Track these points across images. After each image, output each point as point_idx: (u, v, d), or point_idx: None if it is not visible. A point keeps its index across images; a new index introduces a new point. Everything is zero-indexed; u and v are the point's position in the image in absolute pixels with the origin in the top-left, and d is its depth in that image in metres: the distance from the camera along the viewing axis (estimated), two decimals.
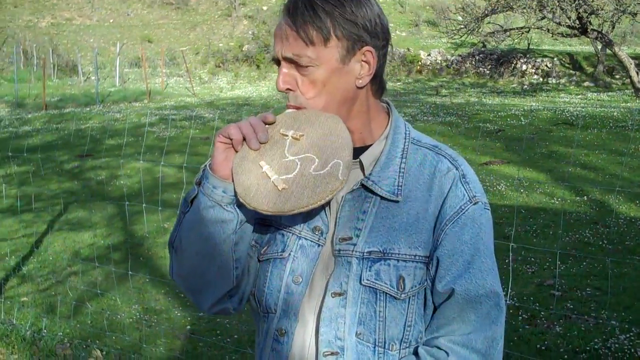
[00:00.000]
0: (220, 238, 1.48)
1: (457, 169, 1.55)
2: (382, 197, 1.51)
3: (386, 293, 1.49)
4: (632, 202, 8.14)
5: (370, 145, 1.57)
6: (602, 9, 18.94)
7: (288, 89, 1.47)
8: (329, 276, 1.51)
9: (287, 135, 1.45)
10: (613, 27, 21.70)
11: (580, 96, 20.35)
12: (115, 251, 7.10)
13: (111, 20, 39.27)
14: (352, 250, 1.49)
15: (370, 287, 1.49)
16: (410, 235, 1.50)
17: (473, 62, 27.82)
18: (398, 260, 1.49)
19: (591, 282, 5.70)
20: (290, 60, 1.44)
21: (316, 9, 1.41)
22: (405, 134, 1.59)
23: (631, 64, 19.13)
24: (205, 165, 1.49)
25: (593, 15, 19.55)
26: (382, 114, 1.60)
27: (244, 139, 1.44)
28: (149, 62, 29.10)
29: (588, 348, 4.52)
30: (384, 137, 1.57)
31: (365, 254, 1.49)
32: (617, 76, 23.30)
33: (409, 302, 1.51)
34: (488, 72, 26.55)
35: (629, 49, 25.19)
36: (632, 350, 4.43)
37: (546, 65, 25.45)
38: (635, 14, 19.61)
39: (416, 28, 34.27)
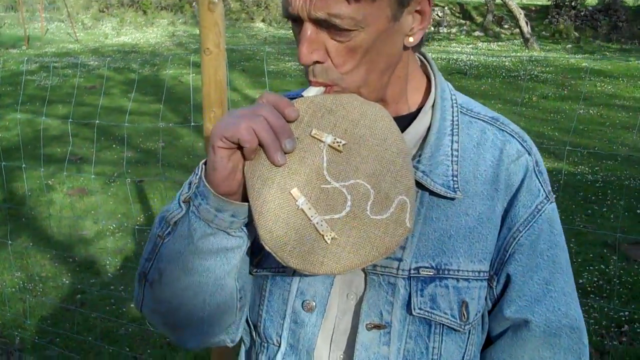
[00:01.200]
0: (222, 271, 1.10)
1: (529, 153, 1.17)
2: (431, 192, 1.12)
3: (443, 324, 1.12)
4: None
5: (406, 115, 1.16)
6: None
7: (316, 62, 1.04)
8: (360, 300, 1.13)
9: (322, 141, 1.03)
10: None
11: (471, 46, 20.54)
12: None
13: None
14: (397, 268, 1.11)
15: (423, 317, 1.11)
16: (472, 245, 1.12)
17: None
18: (458, 280, 1.12)
19: None
20: (321, 22, 1.00)
21: None
22: (452, 99, 1.18)
23: (521, 14, 19.40)
24: (199, 177, 1.06)
25: None
26: (418, 73, 1.20)
27: (260, 145, 1.00)
28: (27, 5, 27.39)
29: None
30: (428, 106, 1.16)
31: (412, 271, 1.10)
32: (506, 26, 23.64)
33: (469, 333, 1.15)
34: None
35: None
36: None
37: (437, 15, 25.55)
38: None
39: None
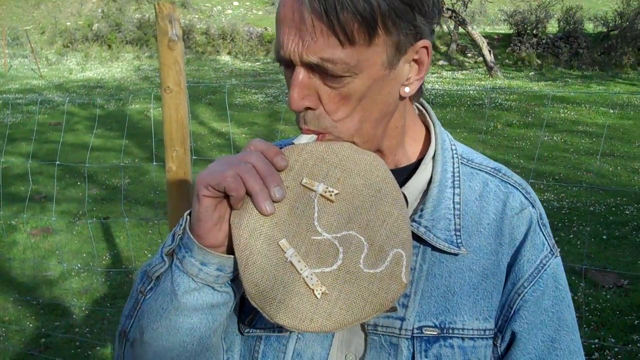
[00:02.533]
0: (208, 329, 1.03)
1: (533, 206, 1.13)
2: (433, 248, 1.06)
3: None
4: None
5: (404, 167, 1.11)
6: None
7: (308, 108, 0.98)
8: None
9: (313, 191, 0.98)
10: (465, 7, 22.28)
11: (435, 75, 20.74)
12: None
13: None
14: (400, 328, 1.05)
15: None
16: (477, 302, 1.07)
17: None
18: (463, 339, 1.06)
19: None
20: (313, 67, 0.95)
21: None
22: (452, 150, 1.13)
23: (484, 42, 19.69)
24: (183, 228, 1.01)
25: None
26: (417, 123, 1.15)
27: (248, 194, 0.96)
28: None
29: None
30: (428, 157, 1.11)
31: (416, 330, 1.04)
32: (470, 55, 23.96)
33: None
34: None
35: (478, 28, 25.95)
36: None
37: None
38: None
39: (272, 6, 33.94)
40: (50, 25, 30.94)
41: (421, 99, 1.15)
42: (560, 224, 6.61)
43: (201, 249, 0.98)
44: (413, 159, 1.13)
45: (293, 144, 1.02)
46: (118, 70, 23.39)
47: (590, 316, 4.64)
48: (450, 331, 1.06)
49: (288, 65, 0.99)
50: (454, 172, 1.12)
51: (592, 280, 5.24)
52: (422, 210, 1.08)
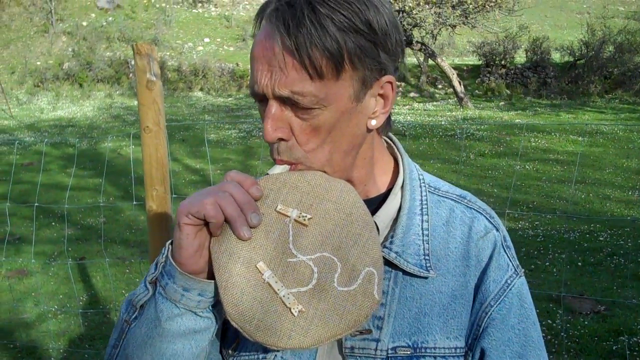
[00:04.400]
0: (191, 355, 1.06)
1: (497, 229, 1.19)
2: (404, 272, 1.12)
3: None
4: None
5: (375, 197, 1.17)
6: (424, 22, 19.59)
7: (280, 139, 1.05)
8: None
9: (287, 216, 1.04)
10: (435, 39, 22.59)
11: (407, 106, 20.94)
12: None
13: None
14: (375, 349, 1.10)
15: None
16: (447, 321, 1.13)
17: None
18: (435, 357, 1.11)
19: None
20: (285, 100, 1.01)
21: (324, 23, 0.97)
22: (420, 180, 1.20)
23: (453, 74, 19.95)
24: (165, 257, 1.05)
25: (416, 28, 20.19)
26: (386, 155, 1.21)
27: (226, 220, 1.00)
28: None
29: None
30: (397, 187, 1.18)
31: (390, 351, 1.09)
32: (440, 86, 24.27)
33: None
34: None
35: (447, 59, 26.29)
36: None
37: None
38: (454, 26, 20.47)
39: (243, 42, 34.13)
40: (20, 65, 30.81)
41: (389, 132, 1.22)
42: (535, 252, 6.68)
43: (183, 275, 1.02)
44: (382, 189, 1.19)
45: (268, 174, 1.07)
46: (90, 108, 23.31)
47: (569, 343, 4.67)
48: (423, 350, 1.11)
49: (262, 99, 1.05)
50: (422, 200, 1.18)
51: (570, 307, 5.29)
52: (392, 237, 1.14)
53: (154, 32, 33.19)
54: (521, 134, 13.66)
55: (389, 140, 1.25)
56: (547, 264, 6.33)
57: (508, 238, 1.22)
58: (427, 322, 1.12)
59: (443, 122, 15.66)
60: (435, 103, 21.54)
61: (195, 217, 0.99)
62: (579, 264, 6.35)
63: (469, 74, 24.27)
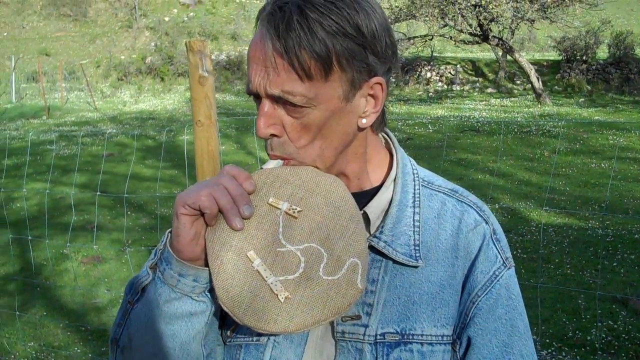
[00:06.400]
0: (188, 335, 1.14)
1: (486, 222, 1.24)
2: (394, 261, 1.18)
3: None
4: (542, 208, 8.18)
5: (368, 190, 1.23)
6: (501, 16, 19.31)
7: (273, 135, 1.11)
8: None
9: (278, 209, 1.10)
10: (513, 34, 22.23)
11: (484, 102, 20.69)
12: (9, 282, 6.59)
13: (5, 34, 37.68)
14: (364, 334, 1.16)
15: None
16: (435, 310, 1.18)
17: None
18: (422, 344, 1.16)
19: None
20: (276, 98, 1.08)
21: (313, 27, 1.04)
22: (414, 174, 1.26)
23: (531, 69, 19.59)
24: (164, 244, 1.13)
25: (493, 23, 19.92)
26: (382, 151, 1.27)
27: (220, 211, 1.08)
28: (47, 76, 28.05)
29: None
30: (390, 180, 1.24)
31: (378, 336, 1.15)
32: (518, 82, 23.85)
33: None
34: (394, 80, 26.76)
35: (527, 54, 25.82)
36: None
37: (450, 73, 25.81)
38: (533, 21, 20.10)
39: None
40: (105, 59, 31.81)
41: (386, 128, 1.27)
42: (604, 252, 6.55)
43: (179, 261, 1.09)
44: (376, 183, 1.24)
45: (262, 168, 1.14)
46: (170, 102, 23.88)
47: (629, 344, 4.59)
48: (410, 337, 1.16)
49: (257, 97, 1.12)
50: (414, 193, 1.23)
51: (634, 309, 5.19)
52: (382, 227, 1.19)
53: (233, 27, 33.74)
54: (599, 131, 13.33)
55: (386, 137, 1.30)
56: (615, 264, 6.21)
57: (499, 231, 1.25)
58: (416, 310, 1.17)
59: (519, 118, 15.42)
60: (513, 99, 21.20)
61: (191, 207, 1.06)
62: None
63: (548, 69, 23.76)
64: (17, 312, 5.16)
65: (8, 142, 15.98)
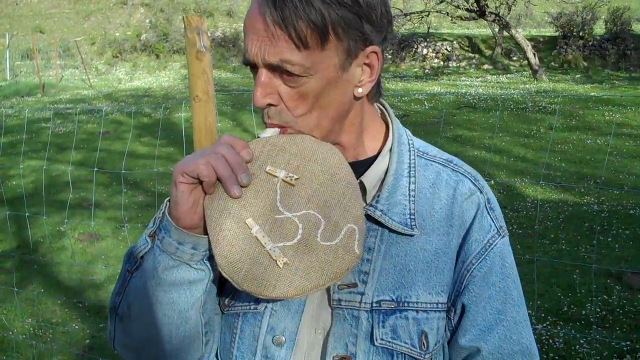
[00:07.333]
0: (186, 303, 1.16)
1: (481, 191, 1.26)
2: (390, 230, 1.19)
3: (404, 354, 1.19)
4: (538, 184, 8.20)
5: (364, 160, 1.24)
6: None
7: (270, 104, 1.12)
8: (327, 334, 1.19)
9: (276, 177, 1.12)
10: (509, 10, 22.13)
11: (480, 79, 20.65)
12: (7, 259, 6.61)
13: None
14: (360, 302, 1.18)
15: (385, 347, 1.18)
16: (430, 278, 1.20)
17: None
18: (417, 311, 1.19)
19: None
20: (274, 67, 1.09)
21: None
22: (409, 144, 1.28)
23: (528, 46, 19.54)
24: (163, 213, 1.14)
25: None
26: (377, 121, 1.29)
27: (219, 179, 1.08)
28: (42, 53, 27.88)
29: None
30: (386, 150, 1.25)
31: (374, 304, 1.17)
32: (515, 58, 23.80)
33: None
34: (390, 56, 26.65)
35: (524, 31, 25.72)
36: (550, 340, 4.35)
37: (446, 49, 25.73)
38: None
39: None
40: (99, 37, 31.63)
41: (381, 99, 1.29)
42: (599, 228, 6.58)
43: (177, 229, 1.10)
44: (372, 153, 1.26)
45: (259, 137, 1.15)
46: (165, 79, 23.80)
47: (623, 319, 4.63)
48: (406, 304, 1.18)
49: (253, 67, 1.12)
50: (410, 163, 1.25)
51: (628, 283, 5.23)
52: (378, 196, 1.21)
53: (228, 4, 33.51)
54: (595, 108, 13.33)
55: (381, 107, 1.31)
56: (610, 239, 6.24)
57: (493, 200, 1.27)
58: (411, 277, 1.19)
59: (515, 95, 15.40)
60: (509, 75, 21.17)
61: (190, 175, 1.07)
62: None
63: (545, 45, 23.67)
64: (15, 289, 5.18)
65: (4, 119, 15.93)
